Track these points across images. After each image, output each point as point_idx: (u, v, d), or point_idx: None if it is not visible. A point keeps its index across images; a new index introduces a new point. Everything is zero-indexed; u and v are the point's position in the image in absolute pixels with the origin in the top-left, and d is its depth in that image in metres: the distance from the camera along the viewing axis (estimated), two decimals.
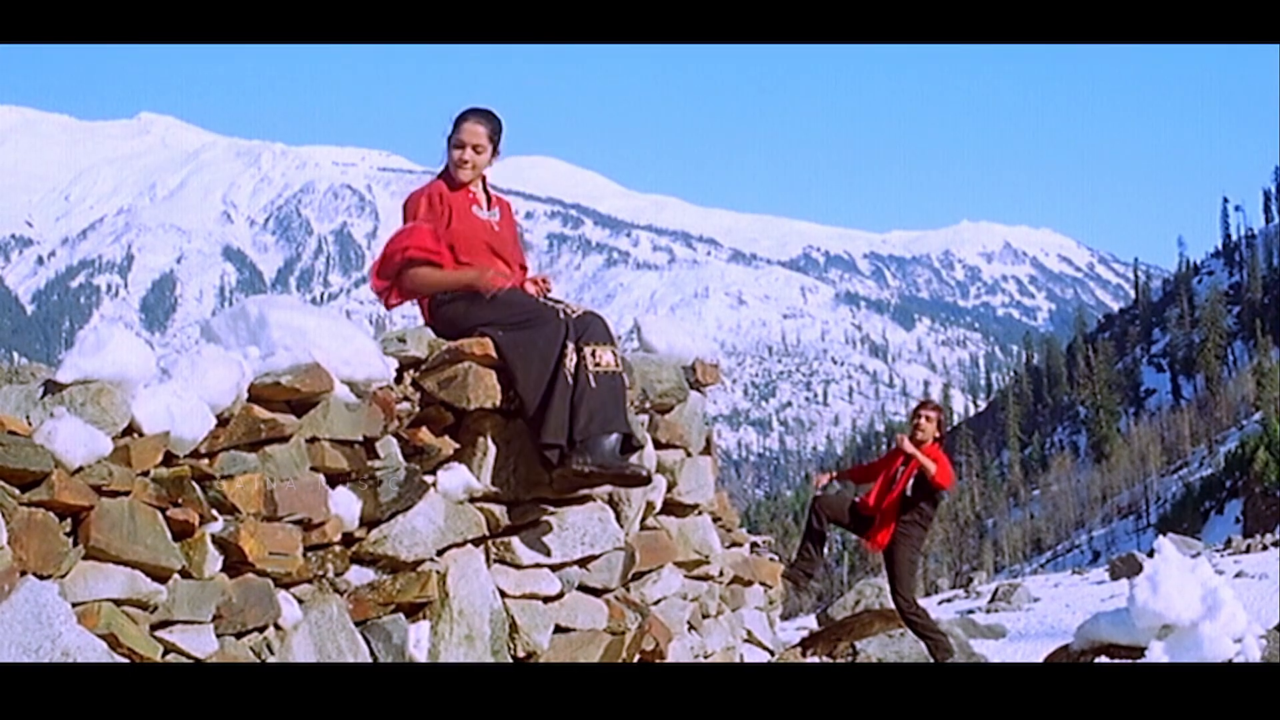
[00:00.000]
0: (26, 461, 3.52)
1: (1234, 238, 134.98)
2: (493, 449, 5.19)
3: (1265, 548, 26.22)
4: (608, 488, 5.49)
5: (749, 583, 7.36)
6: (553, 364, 5.08)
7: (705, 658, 6.34)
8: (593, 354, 5.13)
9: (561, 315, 5.19)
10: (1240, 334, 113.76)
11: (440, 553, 4.96)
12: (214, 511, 4.10)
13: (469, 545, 5.11)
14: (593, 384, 5.09)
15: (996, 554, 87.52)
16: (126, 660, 3.66)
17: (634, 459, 5.33)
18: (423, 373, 5.17)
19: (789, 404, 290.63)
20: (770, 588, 7.80)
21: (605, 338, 5.23)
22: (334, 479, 4.65)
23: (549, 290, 5.54)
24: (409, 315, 5.50)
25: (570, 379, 5.07)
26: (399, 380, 5.11)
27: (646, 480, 5.30)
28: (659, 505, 6.14)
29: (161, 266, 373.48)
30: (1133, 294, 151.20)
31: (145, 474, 3.91)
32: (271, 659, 4.26)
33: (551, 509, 5.42)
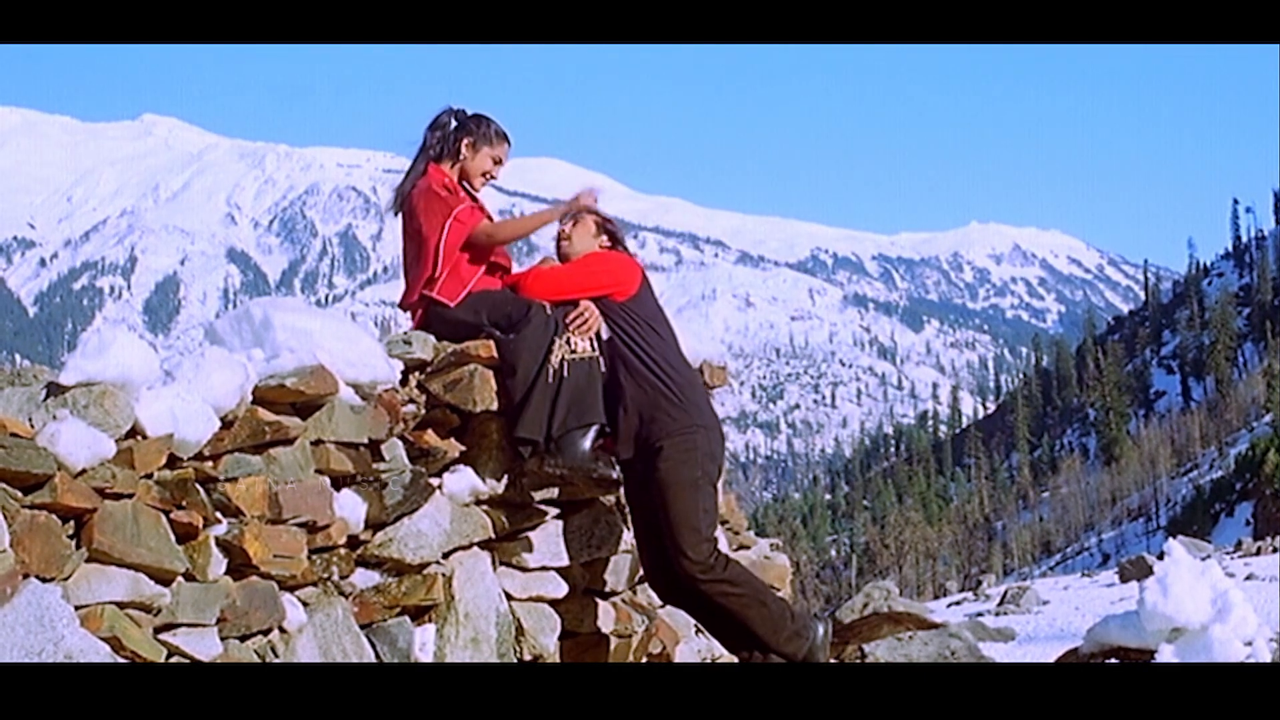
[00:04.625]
0: (29, 464, 3.51)
1: (1244, 239, 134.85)
2: (499, 451, 5.17)
3: (1276, 550, 26.17)
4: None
5: None
6: (540, 360, 5.05)
7: (712, 661, 6.32)
8: (567, 342, 5.10)
9: (548, 311, 5.17)
10: (1250, 336, 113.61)
11: (446, 555, 4.95)
12: (218, 514, 4.08)
13: (475, 548, 5.09)
14: (566, 373, 5.05)
15: (1005, 556, 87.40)
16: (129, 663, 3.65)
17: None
18: (428, 375, 5.15)
19: (797, 406, 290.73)
20: (778, 590, 7.76)
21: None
22: (339, 481, 4.64)
23: (596, 201, 5.55)
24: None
25: (552, 375, 5.05)
26: (404, 382, 5.10)
27: (616, 484, 5.24)
28: None
29: (165, 268, 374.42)
30: (1142, 296, 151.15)
31: (149, 476, 3.90)
32: (276, 662, 4.24)
33: (558, 511, 5.40)
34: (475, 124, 5.53)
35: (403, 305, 5.53)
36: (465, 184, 5.52)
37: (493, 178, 5.62)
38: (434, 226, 5.31)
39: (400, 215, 5.50)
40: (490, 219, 5.56)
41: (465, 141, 5.49)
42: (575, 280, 5.26)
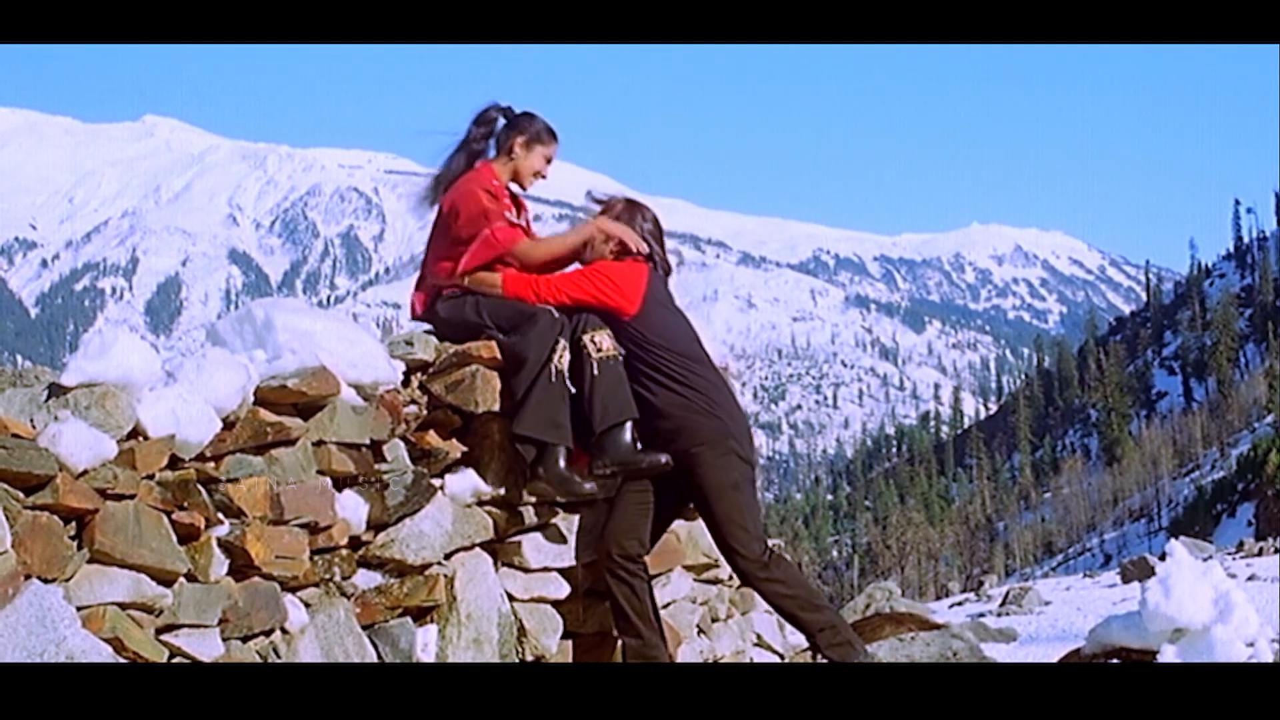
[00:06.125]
0: (31, 465, 3.51)
1: (1245, 240, 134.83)
2: (501, 452, 5.16)
3: (1278, 550, 26.14)
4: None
5: None
6: (543, 359, 5.02)
7: (714, 662, 6.31)
8: (592, 340, 5.08)
9: (556, 315, 5.14)
10: (1252, 336, 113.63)
11: (448, 556, 4.94)
12: (220, 515, 4.08)
13: (477, 549, 5.09)
14: (596, 371, 5.04)
15: (1007, 557, 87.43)
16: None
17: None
18: (430, 376, 5.15)
19: (799, 407, 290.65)
20: None
21: (600, 324, 5.17)
22: (341, 482, 4.64)
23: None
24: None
25: (554, 375, 5.00)
26: (406, 383, 5.10)
27: (668, 467, 5.11)
28: None
29: (166, 269, 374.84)
30: (1144, 296, 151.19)
31: (150, 477, 3.90)
32: (278, 663, 4.24)
33: (560, 512, 5.40)
34: (527, 121, 5.42)
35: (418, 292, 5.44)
36: (511, 185, 5.44)
37: (543, 177, 5.51)
38: (470, 231, 5.22)
39: (435, 205, 5.37)
40: (528, 229, 5.50)
41: (519, 140, 5.38)
42: (573, 290, 5.18)
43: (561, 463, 5.03)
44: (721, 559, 6.18)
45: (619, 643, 5.49)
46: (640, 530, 5.18)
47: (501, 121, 5.43)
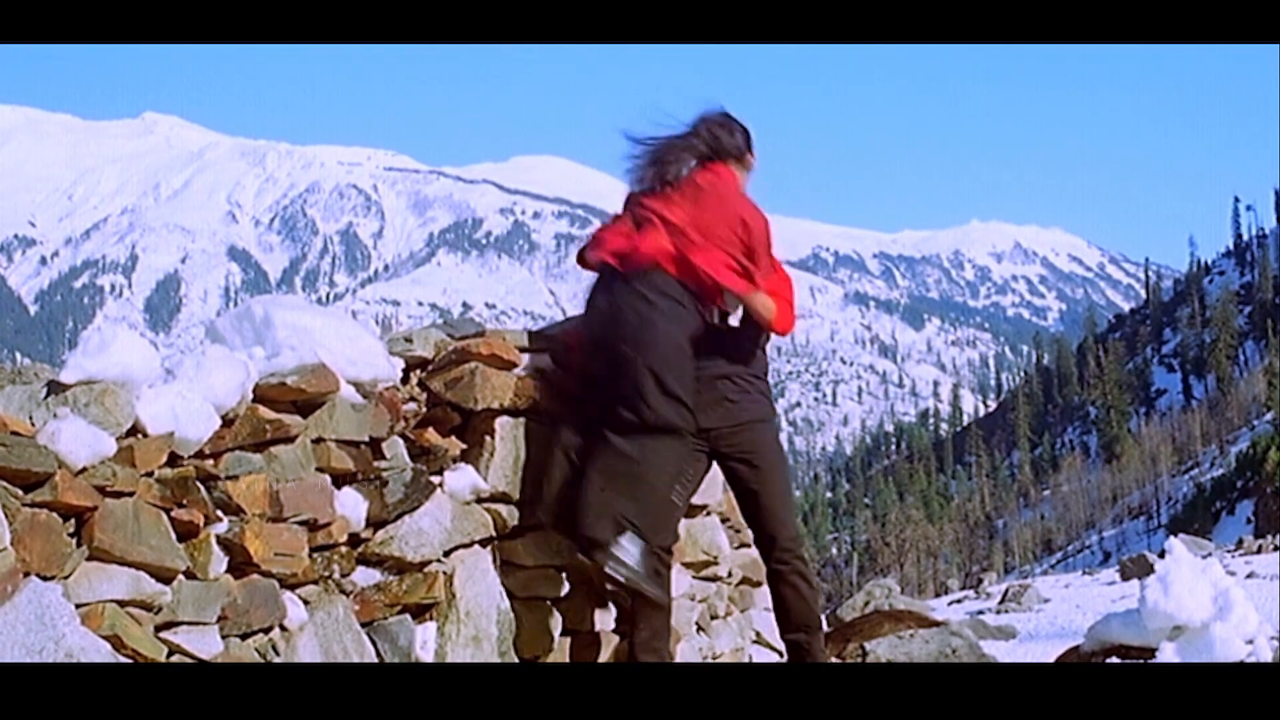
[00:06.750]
0: (30, 462, 3.51)
1: (1245, 237, 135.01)
2: (500, 449, 5.16)
3: (1277, 548, 26.18)
4: None
5: (758, 584, 7.33)
6: (664, 485, 4.90)
7: (714, 659, 6.31)
8: None
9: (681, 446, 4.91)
10: (1251, 334, 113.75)
11: (447, 554, 4.94)
12: (219, 512, 4.08)
13: (476, 546, 5.09)
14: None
15: (1007, 554, 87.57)
16: (130, 662, 3.65)
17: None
18: (429, 373, 5.15)
19: (798, 404, 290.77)
20: None
21: None
22: (340, 479, 4.63)
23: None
24: (415, 316, 5.47)
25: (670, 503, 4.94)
26: (405, 380, 5.10)
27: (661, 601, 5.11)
28: None
29: (166, 267, 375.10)
30: (1143, 294, 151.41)
31: (149, 475, 3.89)
32: (277, 660, 4.24)
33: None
34: (747, 133, 5.06)
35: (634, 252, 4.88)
36: None
37: None
38: (752, 259, 4.87)
39: (646, 187, 4.95)
40: None
41: (750, 156, 5.04)
42: (790, 314, 5.14)
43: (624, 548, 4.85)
44: (721, 555, 6.19)
45: (618, 641, 5.50)
46: (674, 522, 5.27)
47: (737, 129, 5.02)
